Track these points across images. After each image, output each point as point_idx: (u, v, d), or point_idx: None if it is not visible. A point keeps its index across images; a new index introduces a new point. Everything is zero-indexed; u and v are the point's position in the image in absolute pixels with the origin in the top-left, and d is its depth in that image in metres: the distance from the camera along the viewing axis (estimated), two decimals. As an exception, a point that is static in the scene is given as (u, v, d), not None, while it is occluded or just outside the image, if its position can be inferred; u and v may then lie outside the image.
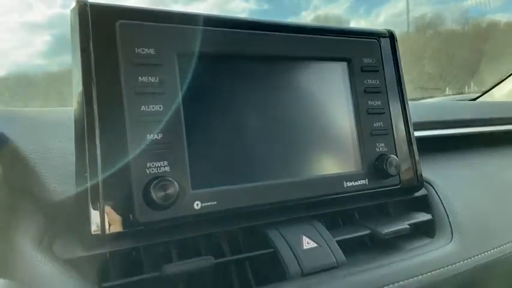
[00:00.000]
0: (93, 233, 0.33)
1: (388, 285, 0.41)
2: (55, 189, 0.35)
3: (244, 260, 0.39)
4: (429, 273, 0.44)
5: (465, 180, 0.59)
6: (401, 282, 0.42)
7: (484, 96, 1.25)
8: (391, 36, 0.53)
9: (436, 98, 1.36)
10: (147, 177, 0.35)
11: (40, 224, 0.35)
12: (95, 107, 0.35)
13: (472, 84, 1.78)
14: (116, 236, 0.34)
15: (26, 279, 0.32)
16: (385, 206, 0.53)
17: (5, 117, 0.40)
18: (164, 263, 0.36)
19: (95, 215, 0.33)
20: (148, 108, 0.37)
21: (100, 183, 0.34)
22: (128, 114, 0.36)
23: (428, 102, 0.74)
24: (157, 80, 0.37)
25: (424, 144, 0.62)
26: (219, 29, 0.41)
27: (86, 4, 0.36)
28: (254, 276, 0.39)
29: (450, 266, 0.45)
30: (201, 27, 0.40)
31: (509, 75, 1.28)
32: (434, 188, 0.55)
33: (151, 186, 0.35)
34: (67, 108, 0.40)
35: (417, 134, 0.61)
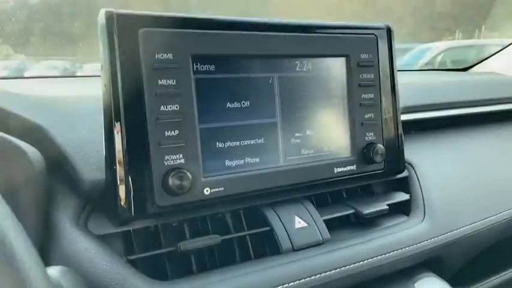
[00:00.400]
0: (120, 213, 0.40)
1: (363, 260, 0.49)
2: (88, 175, 0.41)
3: (245, 237, 0.47)
4: (401, 250, 0.51)
5: (444, 162, 0.66)
6: (376, 258, 0.49)
7: (478, 65, 1.28)
8: (388, 30, 0.57)
9: (444, 42, 1.34)
10: (165, 168, 0.42)
11: (76, 205, 0.41)
12: (121, 107, 0.40)
13: (483, 28, 1.76)
14: (139, 217, 0.41)
15: (66, 253, 0.39)
16: (370, 185, 0.60)
17: (40, 106, 0.45)
18: (178, 238, 0.43)
19: (121, 199, 0.40)
20: (166, 108, 0.42)
21: (125, 173, 0.40)
22: (148, 114, 0.41)
23: (420, 83, 0.78)
24: (174, 83, 0.42)
25: (410, 126, 0.68)
26: (229, 32, 0.45)
27: (112, 13, 0.40)
28: (253, 250, 0.47)
29: (420, 244, 0.53)
30: (213, 31, 0.44)
31: (507, 46, 1.30)
32: (414, 170, 0.62)
33: (169, 177, 0.41)
34: (95, 95, 0.44)
35: (404, 117, 0.67)
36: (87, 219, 0.41)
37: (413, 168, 0.62)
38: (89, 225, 0.41)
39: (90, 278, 0.37)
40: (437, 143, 0.70)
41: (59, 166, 0.42)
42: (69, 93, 0.50)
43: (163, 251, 0.42)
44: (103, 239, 0.41)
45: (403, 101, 0.66)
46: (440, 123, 0.72)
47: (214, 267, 0.45)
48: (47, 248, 0.39)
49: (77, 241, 0.39)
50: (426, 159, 0.64)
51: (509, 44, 1.29)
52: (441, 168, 0.64)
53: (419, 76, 1.02)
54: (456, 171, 0.65)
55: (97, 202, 0.42)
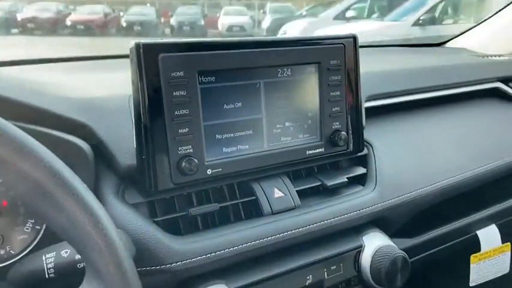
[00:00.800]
0: (147, 188, 0.56)
1: (325, 220, 0.66)
2: (124, 161, 0.57)
3: (238, 204, 0.63)
4: (354, 212, 0.68)
5: (398, 141, 0.82)
6: (335, 219, 0.66)
7: (453, 41, 1.40)
8: (354, 39, 0.71)
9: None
10: (179, 156, 0.57)
11: (116, 183, 0.57)
12: (146, 112, 0.55)
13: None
14: (161, 190, 0.57)
15: (110, 216, 0.55)
16: (337, 161, 0.76)
17: (85, 107, 0.59)
18: (188, 206, 0.60)
19: (148, 177, 0.56)
20: (179, 112, 0.57)
21: (150, 160, 0.55)
22: (166, 117, 0.56)
23: (385, 71, 0.92)
24: (185, 93, 0.57)
25: (372, 111, 0.82)
26: (225, 51, 0.59)
27: (139, 43, 0.54)
28: (244, 214, 0.63)
29: (369, 207, 0.70)
30: (213, 52, 0.58)
31: (484, 20, 1.41)
32: (372, 148, 0.78)
33: (182, 162, 0.57)
34: (126, 94, 0.59)
35: (367, 104, 0.82)
36: (124, 193, 0.57)
37: (371, 147, 0.78)
38: (125, 196, 0.57)
39: (129, 234, 0.54)
40: (394, 125, 0.85)
41: (102, 154, 0.57)
42: (106, 92, 0.64)
43: (178, 214, 0.59)
44: (135, 207, 0.57)
45: (368, 90, 0.82)
46: (398, 107, 0.87)
47: (215, 226, 0.62)
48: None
49: (118, 208, 0.55)
50: (383, 139, 0.80)
51: (483, 21, 1.41)
52: (394, 147, 0.80)
53: (391, 54, 1.15)
54: (406, 149, 0.81)
55: (131, 180, 0.58)
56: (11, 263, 0.54)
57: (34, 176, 0.34)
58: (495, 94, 1.05)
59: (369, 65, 0.92)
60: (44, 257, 0.44)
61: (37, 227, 0.57)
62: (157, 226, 0.57)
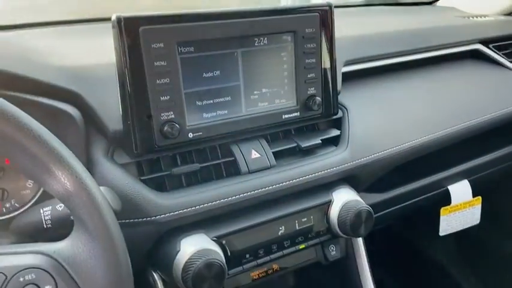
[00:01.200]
0: (134, 150, 0.63)
1: (298, 178, 0.72)
2: (112, 126, 0.62)
3: (220, 164, 0.70)
4: (326, 171, 0.75)
5: (372, 104, 0.87)
6: (307, 177, 0.73)
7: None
8: (329, 8, 0.74)
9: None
10: (161, 121, 0.63)
11: (105, 145, 0.63)
12: (128, 81, 0.60)
13: None
14: (146, 152, 0.63)
15: (100, 175, 0.62)
16: (314, 124, 0.82)
17: (76, 77, 0.64)
18: (173, 165, 0.66)
19: (134, 140, 0.62)
20: (161, 81, 0.62)
21: (136, 125, 0.61)
22: (149, 85, 0.61)
23: (366, 35, 0.95)
24: (165, 64, 0.61)
25: (349, 75, 0.87)
26: (203, 22, 0.63)
27: (121, 16, 0.58)
28: (226, 172, 0.70)
29: (340, 166, 0.76)
30: (191, 23, 0.62)
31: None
32: (347, 111, 0.83)
33: (164, 126, 0.63)
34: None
35: (345, 69, 0.86)
36: (113, 154, 0.64)
37: (346, 110, 0.83)
38: (114, 157, 0.64)
39: (118, 192, 0.61)
40: (371, 88, 0.90)
41: (92, 120, 0.63)
42: (95, 59, 0.69)
43: (162, 173, 0.65)
44: (124, 166, 0.64)
45: (346, 55, 0.86)
46: (377, 71, 0.92)
47: (197, 183, 0.69)
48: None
49: (108, 167, 0.62)
50: (359, 102, 0.85)
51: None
52: (369, 109, 0.85)
53: (376, 16, 1.17)
54: (380, 111, 0.86)
55: (119, 142, 0.64)
56: (16, 215, 0.62)
57: (20, 141, 0.40)
58: (476, 56, 1.09)
59: (350, 27, 0.96)
60: (41, 210, 0.52)
61: (38, 183, 0.64)
62: (144, 184, 0.64)
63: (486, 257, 1.38)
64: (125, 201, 0.60)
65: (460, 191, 1.03)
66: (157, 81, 0.62)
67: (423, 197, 0.98)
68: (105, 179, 0.61)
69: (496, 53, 1.08)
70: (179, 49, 0.63)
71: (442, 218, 1.04)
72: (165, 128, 0.62)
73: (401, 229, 1.34)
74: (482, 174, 1.07)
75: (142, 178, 0.64)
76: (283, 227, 0.71)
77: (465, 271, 1.40)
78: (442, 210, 1.03)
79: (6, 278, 0.41)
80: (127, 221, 0.61)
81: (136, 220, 0.61)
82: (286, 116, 0.74)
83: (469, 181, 1.04)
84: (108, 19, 0.59)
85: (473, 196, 1.06)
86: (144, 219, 0.61)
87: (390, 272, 1.22)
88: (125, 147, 0.64)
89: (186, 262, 0.60)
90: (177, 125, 0.63)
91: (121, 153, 0.65)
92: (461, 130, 0.94)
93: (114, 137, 0.64)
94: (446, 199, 1.02)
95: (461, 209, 1.06)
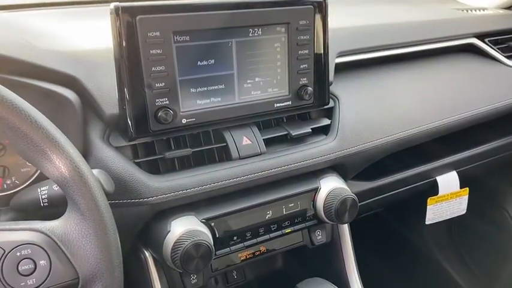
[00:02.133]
0: (129, 134, 0.65)
1: (287, 165, 0.75)
2: (108, 110, 0.65)
3: (213, 149, 0.72)
4: (314, 159, 0.78)
5: (363, 95, 0.89)
6: (296, 164, 0.76)
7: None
8: (324, 0, 0.75)
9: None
10: (156, 107, 0.65)
11: (102, 128, 0.66)
12: (125, 67, 0.62)
13: None
14: (141, 136, 0.66)
15: (96, 157, 0.64)
16: (305, 113, 0.84)
17: (74, 61, 0.67)
18: (168, 149, 0.69)
19: (129, 124, 0.65)
20: (156, 68, 0.64)
21: (131, 110, 0.64)
22: (144, 72, 0.63)
23: (361, 26, 0.96)
24: (161, 52, 0.64)
25: (342, 66, 0.89)
26: (198, 12, 0.65)
27: (118, 6, 0.60)
28: (218, 157, 0.73)
29: (328, 155, 0.79)
30: (187, 13, 0.64)
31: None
32: (338, 101, 0.85)
33: (159, 112, 0.65)
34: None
35: (338, 60, 0.88)
36: (108, 137, 0.67)
37: (338, 100, 0.86)
38: (110, 140, 0.67)
39: (112, 174, 0.63)
40: (363, 80, 0.92)
41: (90, 104, 0.66)
42: (94, 44, 0.71)
43: (156, 157, 0.68)
44: (119, 149, 0.66)
45: (340, 46, 0.88)
46: (370, 62, 0.94)
47: (190, 167, 0.72)
48: (85, 155, 0.65)
49: (103, 150, 0.65)
50: (351, 93, 0.87)
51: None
52: (360, 100, 0.87)
53: (372, 6, 1.18)
54: (371, 102, 0.88)
55: (115, 126, 0.67)
56: (16, 191, 0.65)
57: (18, 127, 0.43)
58: (471, 50, 1.10)
59: (345, 18, 0.97)
60: (39, 189, 0.55)
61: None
62: (138, 166, 0.67)
63: (473, 244, 1.42)
64: (119, 182, 0.63)
65: (448, 181, 1.06)
66: (153, 69, 0.64)
67: (411, 186, 1.01)
68: (101, 161, 0.64)
69: (491, 47, 1.09)
70: (175, 38, 0.65)
71: (428, 207, 1.07)
72: (160, 114, 0.65)
73: (388, 217, 1.37)
74: (471, 166, 1.09)
75: (136, 161, 0.67)
76: (270, 211, 0.75)
77: (452, 258, 1.44)
78: (429, 200, 1.06)
79: (4, 252, 0.44)
80: (121, 201, 0.64)
81: (130, 201, 0.64)
82: (278, 104, 0.76)
83: (457, 172, 1.07)
84: (108, 2, 0.61)
85: (461, 187, 1.09)
86: (137, 200, 0.65)
87: (376, 258, 1.26)
88: (121, 130, 0.67)
89: (175, 242, 0.63)
90: (171, 111, 0.66)
91: (117, 136, 0.67)
92: (450, 124, 0.96)
93: (110, 121, 0.66)
94: (433, 189, 1.05)
95: (448, 199, 1.09)
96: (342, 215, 0.75)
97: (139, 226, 0.68)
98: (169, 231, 0.65)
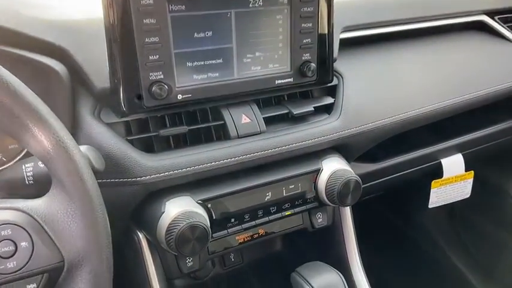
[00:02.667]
0: (121, 109, 0.62)
1: (288, 145, 0.72)
2: (99, 84, 0.61)
3: (210, 127, 0.69)
4: (316, 139, 0.74)
5: (369, 73, 0.85)
6: (297, 144, 0.72)
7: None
8: (329, -32, 0.71)
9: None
10: (150, 81, 0.61)
11: (92, 103, 0.62)
12: (117, 38, 0.58)
13: None
14: (133, 112, 0.62)
15: (86, 134, 0.61)
16: (308, 91, 0.80)
17: (63, 31, 0.62)
18: (163, 127, 0.66)
19: (122, 100, 0.61)
20: (150, 39, 0.60)
21: (123, 84, 0.60)
22: (137, 44, 0.59)
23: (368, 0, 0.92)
24: (155, 21, 0.59)
25: (347, 42, 0.84)
26: (196, -20, 0.61)
27: None
28: (216, 136, 0.69)
29: (331, 135, 0.76)
30: (184, -20, 0.60)
31: None
32: (342, 79, 0.81)
33: (153, 87, 0.61)
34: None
35: (342, 35, 0.84)
36: (99, 112, 0.63)
37: (342, 77, 0.82)
38: (101, 116, 0.63)
39: (103, 152, 0.60)
40: (369, 56, 0.88)
41: (79, 77, 0.62)
42: (85, 14, 0.67)
43: (149, 134, 0.65)
44: (111, 126, 0.63)
45: (345, 21, 0.83)
46: (376, 39, 0.89)
47: (186, 146, 0.68)
48: (74, 132, 0.61)
49: (93, 126, 0.61)
50: (355, 70, 0.83)
51: None
52: (365, 78, 0.83)
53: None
54: (377, 81, 0.85)
55: (106, 101, 0.63)
56: (2, 169, 0.62)
57: (1, 99, 0.39)
58: (480, 27, 1.05)
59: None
60: (23, 166, 0.51)
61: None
62: (130, 144, 0.63)
63: (474, 230, 1.39)
64: (111, 161, 0.60)
65: (453, 164, 1.03)
66: (146, 40, 0.60)
67: (415, 169, 0.98)
68: (91, 137, 0.61)
69: (501, 25, 1.05)
70: (170, 7, 0.60)
71: (432, 190, 1.04)
72: (154, 89, 0.61)
73: (391, 200, 1.35)
74: (477, 149, 1.06)
75: (129, 138, 0.64)
76: (270, 193, 0.71)
77: (453, 243, 1.42)
78: (433, 183, 1.03)
79: None
80: (112, 180, 0.61)
81: (122, 180, 0.61)
82: (279, 81, 0.72)
83: (462, 155, 1.04)
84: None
85: (466, 170, 1.06)
86: (130, 179, 0.61)
87: (377, 242, 1.24)
88: (112, 106, 0.63)
89: (170, 223, 0.60)
90: (165, 85, 0.62)
91: (108, 112, 0.64)
92: (458, 104, 0.92)
93: (101, 95, 0.62)
94: (438, 172, 1.02)
95: (453, 183, 1.06)
96: (344, 197, 0.72)
97: (132, 206, 0.64)
98: (163, 212, 0.62)
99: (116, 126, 0.64)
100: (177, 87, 0.64)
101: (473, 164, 1.07)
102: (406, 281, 1.34)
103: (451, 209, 1.35)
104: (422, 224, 1.38)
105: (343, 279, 0.74)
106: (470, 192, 1.11)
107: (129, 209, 0.65)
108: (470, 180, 1.09)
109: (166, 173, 0.63)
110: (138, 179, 0.61)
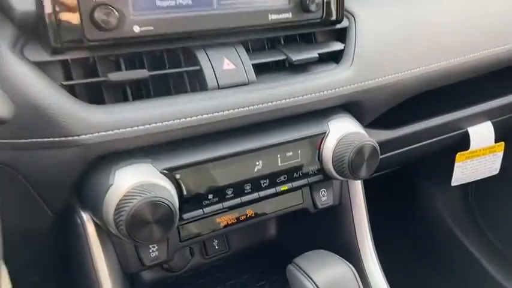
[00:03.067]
0: (52, 44, 0.44)
1: (285, 99, 0.55)
2: (21, 6, 0.44)
3: (183, 74, 0.52)
4: (320, 93, 0.57)
5: (386, 13, 0.68)
6: (295, 99, 0.56)
7: None
8: None
9: None
10: (92, 3, 0.44)
11: (12, 34, 0.45)
12: None
13: None
14: (70, 47, 0.45)
15: (3, 75, 0.44)
16: (310, 34, 0.63)
17: None
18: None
19: (52, 30, 0.44)
20: None
21: (53, 6, 0.43)
22: None
23: None
24: None
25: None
26: None
27: None
28: (190, 86, 0.52)
29: (339, 89, 0.59)
30: None
31: None
32: (355, 20, 0.64)
33: (95, 12, 0.44)
34: None
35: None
36: (23, 47, 0.46)
37: (354, 18, 0.64)
38: (25, 52, 0.46)
39: (27, 100, 0.43)
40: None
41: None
42: None
43: (95, 79, 0.48)
44: (40, 66, 0.46)
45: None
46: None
47: (150, 97, 0.51)
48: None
49: (13, 65, 0.44)
50: (370, 10, 0.66)
51: None
52: (382, 20, 0.67)
53: None
54: (395, 23, 0.68)
55: (33, 31, 0.46)
56: None
57: None
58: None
59: None
60: None
61: None
62: (66, 91, 0.46)
63: (492, 212, 1.24)
64: (35, 112, 0.43)
65: (482, 134, 0.87)
66: None
67: (437, 138, 0.83)
68: (7, 79, 0.43)
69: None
70: None
71: (456, 164, 0.89)
72: (97, 14, 0.44)
73: (406, 176, 1.19)
74: (508, 117, 0.90)
75: (64, 83, 0.46)
76: (260, 162, 0.55)
77: (467, 227, 1.27)
78: (458, 155, 0.88)
79: None
80: (41, 140, 0.44)
81: (55, 140, 0.44)
82: (274, 16, 0.55)
83: (492, 123, 0.87)
84: None
85: (496, 141, 0.90)
86: (65, 138, 0.44)
87: (388, 224, 1.09)
88: (40, 38, 0.46)
89: (120, 200, 0.44)
90: (115, 11, 0.45)
91: (36, 46, 0.46)
92: (490, 58, 0.76)
93: (24, 24, 0.45)
94: (464, 143, 0.86)
95: (480, 156, 0.90)
96: (357, 168, 0.56)
97: (72, 177, 0.48)
98: (111, 184, 0.45)
99: (49, 68, 0.47)
100: (133, 16, 0.47)
101: (504, 134, 0.91)
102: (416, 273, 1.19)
103: (465, 189, 1.19)
104: (437, 206, 1.22)
105: (355, 272, 0.57)
106: (499, 167, 0.95)
107: (68, 180, 0.48)
108: (500, 154, 0.94)
109: (116, 131, 0.46)
110: (76, 137, 0.44)
